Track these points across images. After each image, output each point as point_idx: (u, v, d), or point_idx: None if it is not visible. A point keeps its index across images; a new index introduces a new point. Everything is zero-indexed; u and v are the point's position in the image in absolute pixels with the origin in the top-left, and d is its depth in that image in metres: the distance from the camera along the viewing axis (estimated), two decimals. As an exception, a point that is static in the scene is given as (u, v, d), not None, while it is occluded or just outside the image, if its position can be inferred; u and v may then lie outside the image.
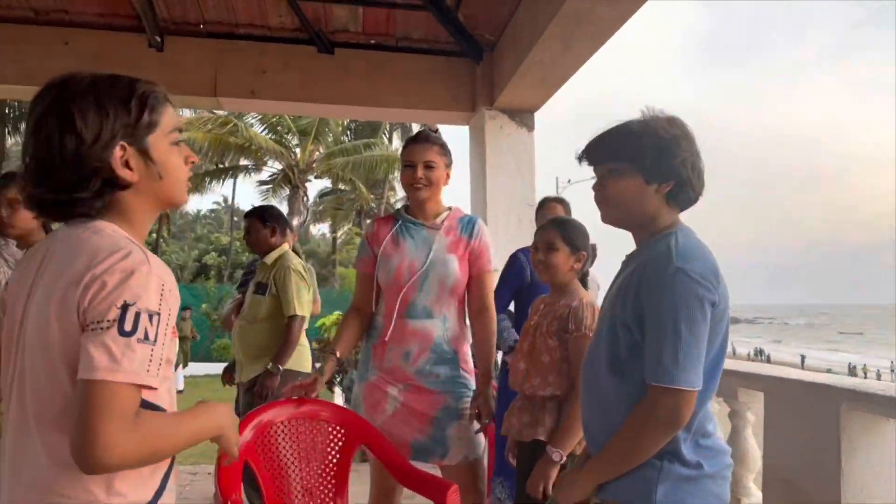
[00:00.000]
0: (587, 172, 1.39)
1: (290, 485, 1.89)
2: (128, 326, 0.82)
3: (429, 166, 2.04)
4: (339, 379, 5.50)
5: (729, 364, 3.02)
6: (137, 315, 0.83)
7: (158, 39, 4.03)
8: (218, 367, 15.59)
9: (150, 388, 0.85)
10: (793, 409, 2.27)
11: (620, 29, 3.14)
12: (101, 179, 0.90)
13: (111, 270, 0.84)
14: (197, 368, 12.60)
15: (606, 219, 1.35)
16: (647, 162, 1.26)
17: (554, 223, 2.08)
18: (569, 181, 27.21)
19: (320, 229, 33.58)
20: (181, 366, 11.92)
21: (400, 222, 2.12)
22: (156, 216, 1.01)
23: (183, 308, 12.71)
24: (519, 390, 2.02)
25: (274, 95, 4.26)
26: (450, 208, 2.15)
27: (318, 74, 4.24)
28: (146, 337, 0.84)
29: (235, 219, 32.33)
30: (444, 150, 2.09)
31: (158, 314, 0.85)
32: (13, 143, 17.77)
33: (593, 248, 2.10)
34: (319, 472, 1.94)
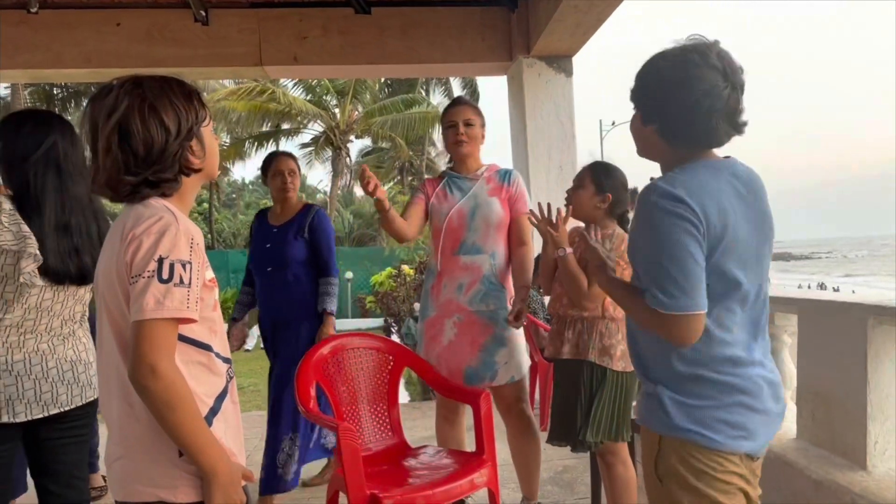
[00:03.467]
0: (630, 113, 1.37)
1: (358, 394, 2.31)
2: (165, 275, 1.01)
3: (468, 124, 2.37)
4: (396, 328, 5.83)
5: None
6: (172, 265, 1.02)
7: (203, 14, 4.18)
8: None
9: (191, 320, 1.04)
10: (824, 328, 2.37)
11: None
12: (179, 165, 1.10)
13: (147, 232, 1.03)
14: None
15: (638, 153, 1.35)
16: (641, 100, 1.26)
17: (589, 164, 2.20)
18: (613, 123, 26.47)
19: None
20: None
21: (447, 178, 2.44)
22: (198, 189, 1.22)
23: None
24: (553, 313, 2.21)
25: (316, 60, 4.38)
26: (487, 164, 2.45)
27: (357, 35, 4.32)
28: (182, 281, 1.02)
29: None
30: (479, 111, 2.41)
31: (190, 262, 1.04)
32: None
33: (633, 192, 2.18)
34: (378, 386, 2.37)
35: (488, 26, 4.36)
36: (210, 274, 1.15)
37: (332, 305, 2.73)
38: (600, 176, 2.13)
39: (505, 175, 2.43)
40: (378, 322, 14.71)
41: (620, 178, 2.17)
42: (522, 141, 4.34)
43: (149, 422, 1.04)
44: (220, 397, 1.15)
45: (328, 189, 32.55)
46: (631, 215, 2.22)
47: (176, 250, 1.04)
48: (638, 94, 1.26)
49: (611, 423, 2.05)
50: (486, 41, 4.38)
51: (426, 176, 24.19)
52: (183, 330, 1.08)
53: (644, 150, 1.32)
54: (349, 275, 17.55)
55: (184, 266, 1.04)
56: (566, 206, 2.16)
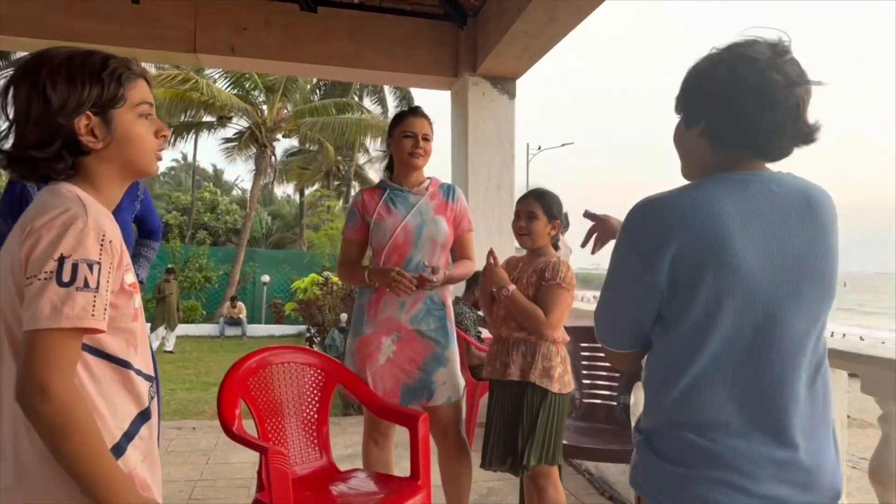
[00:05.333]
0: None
1: (285, 411, 2.18)
2: (66, 277, 0.87)
3: (426, 139, 2.30)
4: (318, 339, 5.61)
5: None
6: (75, 266, 0.88)
7: (135, -9, 3.89)
8: (188, 328, 15.37)
9: (97, 330, 0.90)
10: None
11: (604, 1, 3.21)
12: (62, 143, 0.97)
13: (49, 225, 0.89)
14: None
15: (682, 173, 1.15)
16: (685, 99, 1.08)
17: (533, 194, 2.28)
18: (539, 148, 27.40)
19: (284, 190, 32.92)
20: (165, 327, 11.68)
21: (388, 191, 2.32)
22: (125, 183, 1.07)
23: (167, 271, 12.46)
24: (496, 334, 2.25)
25: (254, 53, 4.18)
26: (429, 178, 2.38)
27: (301, 33, 4.17)
28: (86, 285, 0.88)
29: (197, 177, 31.43)
30: (433, 128, 2.36)
31: (99, 263, 0.90)
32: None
33: (565, 216, 2.31)
34: (307, 403, 2.25)
35: (436, 40, 4.35)
36: (131, 278, 1.01)
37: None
38: (549, 204, 2.24)
39: (448, 191, 2.38)
40: (294, 329, 14.27)
41: (561, 204, 2.29)
42: (463, 158, 4.34)
43: (45, 448, 0.89)
44: (139, 420, 1.01)
45: (246, 187, 31.47)
46: (561, 238, 2.35)
47: (81, 248, 0.89)
48: (683, 96, 1.08)
49: (546, 445, 2.08)
50: (432, 54, 4.36)
51: (353, 182, 23.95)
52: (93, 342, 0.94)
53: (686, 164, 1.12)
54: (265, 278, 16.91)
55: (90, 267, 0.89)
56: (522, 235, 2.25)
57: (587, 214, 1.59)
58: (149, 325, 11.83)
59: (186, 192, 28.85)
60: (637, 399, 3.17)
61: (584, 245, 1.57)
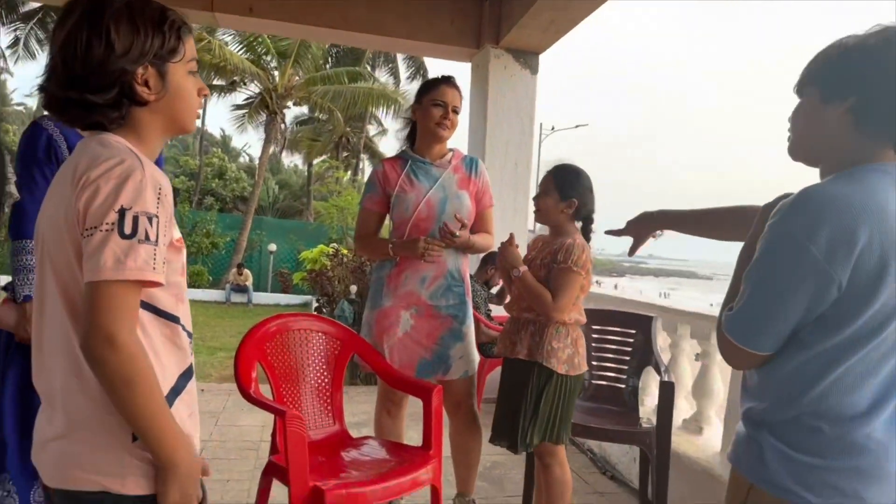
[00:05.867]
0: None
1: (300, 377, 2.19)
2: (127, 229, 0.86)
3: (455, 111, 2.22)
4: (327, 309, 5.64)
5: (704, 310, 3.25)
6: (136, 218, 0.87)
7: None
8: (194, 293, 15.46)
9: (157, 283, 0.90)
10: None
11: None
12: (119, 90, 0.94)
13: (106, 176, 0.87)
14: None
15: (791, 153, 1.09)
16: (829, 72, 1.01)
17: (553, 168, 2.19)
18: (552, 128, 27.13)
19: (292, 160, 32.76)
20: None
21: (410, 163, 2.25)
22: (167, 138, 1.06)
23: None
24: (508, 312, 2.22)
25: (272, 15, 4.10)
26: (451, 150, 2.31)
27: (321, -4, 4.09)
28: (147, 238, 0.87)
29: (205, 142, 31.29)
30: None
31: (157, 216, 0.89)
32: None
33: (587, 196, 2.14)
34: (322, 370, 2.25)
35: (459, 9, 4.26)
36: (177, 232, 1.00)
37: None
38: (564, 182, 2.13)
39: (471, 165, 2.32)
40: (299, 299, 14.33)
41: (585, 182, 2.17)
42: (481, 132, 4.28)
43: (101, 399, 0.89)
44: (185, 376, 1.02)
45: (255, 154, 31.28)
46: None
47: (141, 200, 0.88)
48: (824, 70, 1.01)
49: (551, 424, 2.07)
50: (455, 24, 4.26)
51: (362, 154, 23.77)
52: (146, 296, 0.93)
53: (810, 145, 1.06)
54: (272, 247, 16.94)
55: (150, 220, 0.88)
56: (534, 211, 2.19)
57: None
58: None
59: (194, 156, 28.72)
60: (645, 383, 3.17)
61: (631, 254, 1.56)
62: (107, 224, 0.86)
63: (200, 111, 1.08)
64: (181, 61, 1.01)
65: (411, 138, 2.32)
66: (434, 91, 2.21)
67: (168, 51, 0.98)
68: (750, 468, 1.05)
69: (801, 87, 1.05)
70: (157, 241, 0.89)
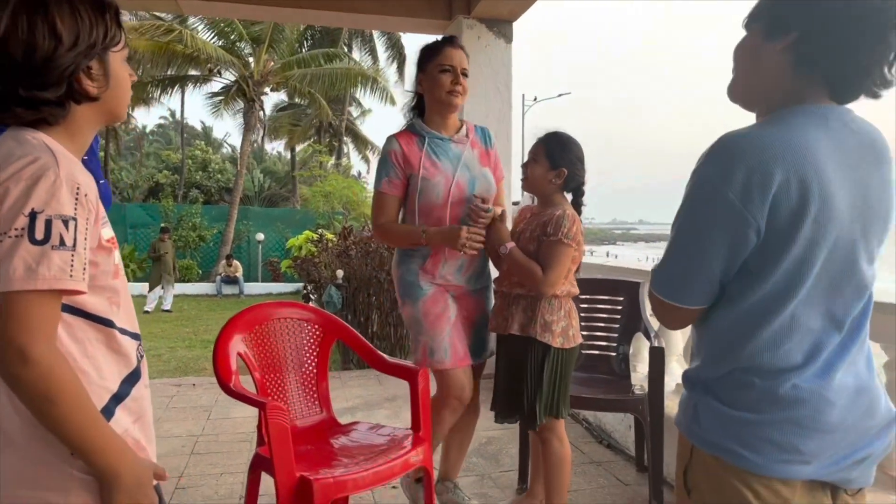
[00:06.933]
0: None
1: (284, 367, 2.13)
2: (39, 235, 0.80)
3: (465, 74, 2.01)
4: (315, 295, 5.61)
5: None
6: (49, 222, 0.81)
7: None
8: (185, 287, 15.38)
9: (77, 291, 0.84)
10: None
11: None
12: (66, 86, 0.87)
13: (16, 177, 0.81)
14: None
15: (729, 94, 1.05)
16: (770, 7, 0.97)
17: (543, 136, 2.10)
18: (535, 99, 26.90)
19: (274, 147, 32.40)
20: (161, 286, 11.68)
21: (427, 140, 2.04)
22: (99, 128, 1.00)
23: (162, 230, 12.39)
24: (499, 290, 2.16)
25: (237, -2, 3.98)
26: (462, 121, 2.12)
27: (285, -25, 3.97)
28: (62, 243, 0.81)
29: (185, 135, 30.84)
30: None
31: (74, 219, 0.83)
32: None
33: (584, 169, 2.08)
34: (306, 358, 2.18)
35: (428, -20, 4.14)
36: (108, 232, 0.94)
37: None
38: (554, 150, 2.04)
39: (485, 136, 2.14)
40: (291, 287, 14.28)
41: (576, 151, 2.08)
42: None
43: (31, 415, 0.84)
44: (129, 381, 0.96)
45: (235, 143, 30.85)
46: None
47: (54, 202, 0.81)
48: (771, 1, 0.97)
49: (550, 398, 2.04)
50: (425, -4, 4.15)
51: (345, 138, 23.48)
52: (74, 302, 0.87)
53: (748, 83, 1.01)
54: (260, 236, 16.82)
55: (65, 223, 0.82)
56: (522, 179, 2.11)
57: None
58: (146, 284, 11.79)
59: (176, 150, 28.34)
60: (636, 349, 3.16)
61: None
62: (16, 229, 0.79)
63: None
64: (120, 49, 0.94)
65: (419, 111, 2.11)
66: (438, 55, 2.00)
67: (110, 39, 0.92)
68: (688, 429, 1.03)
69: (748, 22, 1.01)
70: (74, 245, 0.83)
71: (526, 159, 2.11)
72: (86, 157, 0.98)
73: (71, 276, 0.82)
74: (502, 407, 2.12)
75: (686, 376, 1.06)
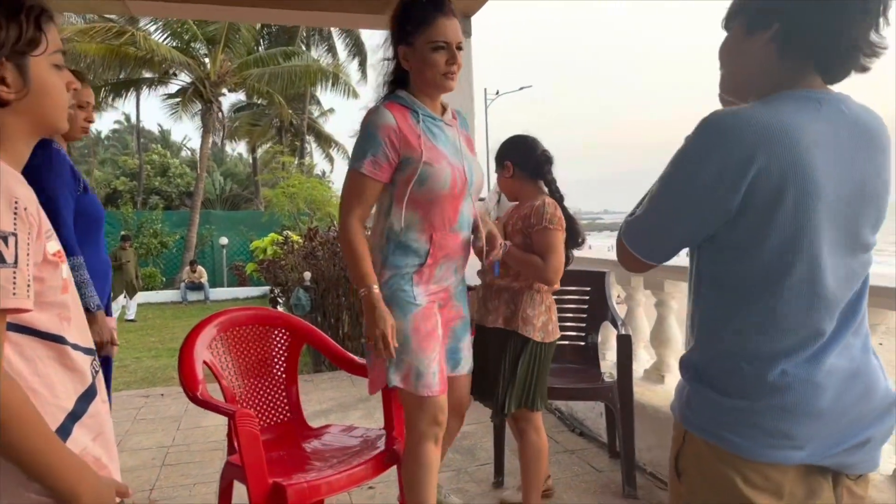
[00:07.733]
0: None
1: (251, 374, 2.11)
2: None
3: (460, 48, 1.68)
4: (283, 299, 5.52)
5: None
6: None
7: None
8: (149, 296, 14.97)
9: (20, 310, 0.80)
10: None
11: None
12: None
13: None
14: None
15: (721, 90, 1.07)
16: (748, 4, 0.99)
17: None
18: (497, 92, 27.01)
19: (235, 149, 31.75)
20: (124, 295, 11.34)
21: (421, 118, 1.70)
22: (34, 141, 0.95)
23: (122, 238, 12.02)
24: (483, 280, 2.19)
25: (187, -2, 3.87)
26: (445, 104, 1.83)
27: (236, -27, 3.88)
28: (2, 260, 0.77)
29: (142, 139, 29.98)
30: None
31: (15, 234, 0.79)
32: None
33: (544, 153, 2.16)
34: (274, 364, 2.18)
35: (384, -24, 4.10)
36: (54, 245, 0.90)
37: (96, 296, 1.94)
38: (498, 155, 2.20)
39: (464, 121, 1.89)
40: (258, 290, 14.04)
41: (517, 142, 2.17)
42: (420, 102, 4.18)
43: None
44: (85, 398, 0.93)
45: (194, 146, 30.10)
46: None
47: None
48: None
49: (527, 390, 2.07)
50: (381, -9, 4.11)
51: (307, 137, 23.14)
52: (21, 320, 0.84)
53: (734, 80, 1.03)
54: (223, 241, 16.48)
55: (5, 240, 0.78)
56: (496, 193, 2.22)
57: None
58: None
59: (133, 155, 27.52)
60: (604, 337, 3.21)
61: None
62: None
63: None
64: (43, 54, 0.89)
65: (398, 83, 1.75)
66: (430, 28, 1.64)
67: (26, 42, 0.87)
68: (681, 414, 1.03)
69: (728, 21, 1.03)
70: (16, 261, 0.79)
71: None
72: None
73: (14, 293, 0.78)
74: (480, 389, 2.12)
75: (681, 361, 1.07)
